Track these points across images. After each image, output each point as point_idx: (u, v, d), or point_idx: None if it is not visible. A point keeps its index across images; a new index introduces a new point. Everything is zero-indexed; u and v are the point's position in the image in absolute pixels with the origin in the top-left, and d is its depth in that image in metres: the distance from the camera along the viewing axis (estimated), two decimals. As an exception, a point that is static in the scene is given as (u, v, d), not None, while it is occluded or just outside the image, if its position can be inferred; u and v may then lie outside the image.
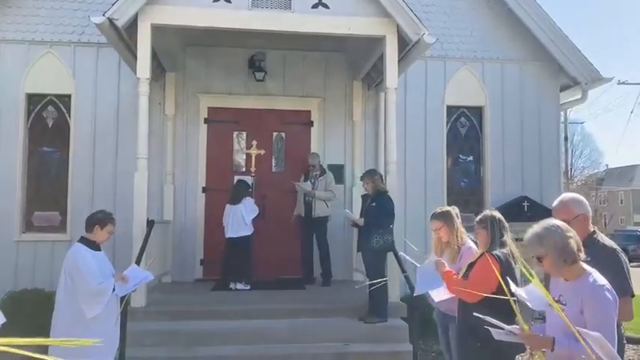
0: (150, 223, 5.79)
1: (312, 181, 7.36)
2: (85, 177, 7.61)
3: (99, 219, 4.22)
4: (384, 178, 5.90)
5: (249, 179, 7.56)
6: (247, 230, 6.92)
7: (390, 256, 5.71)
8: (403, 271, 5.41)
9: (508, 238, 3.59)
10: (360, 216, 5.89)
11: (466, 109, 8.56)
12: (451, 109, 8.46)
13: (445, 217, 4.01)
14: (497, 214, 3.66)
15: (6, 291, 6.92)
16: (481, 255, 3.50)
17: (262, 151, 7.86)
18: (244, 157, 7.98)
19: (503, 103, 8.49)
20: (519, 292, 2.86)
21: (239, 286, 6.84)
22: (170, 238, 7.55)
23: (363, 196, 5.97)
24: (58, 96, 7.76)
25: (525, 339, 2.60)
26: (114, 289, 4.00)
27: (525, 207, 8.14)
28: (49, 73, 7.67)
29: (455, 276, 3.62)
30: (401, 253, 5.07)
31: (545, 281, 2.99)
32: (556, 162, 8.56)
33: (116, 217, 7.14)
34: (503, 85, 8.51)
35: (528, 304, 2.80)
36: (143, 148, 5.88)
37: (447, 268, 3.68)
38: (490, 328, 2.63)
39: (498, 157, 8.42)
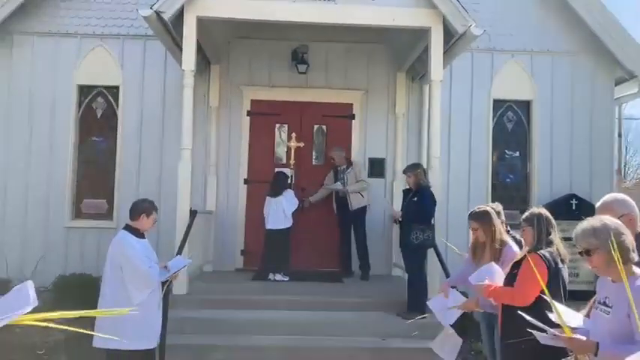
0: (192, 213, 5.90)
1: (341, 175, 7.28)
2: (131, 166, 7.82)
3: (145, 208, 4.29)
4: (426, 172, 5.78)
5: (288, 171, 7.58)
6: (287, 222, 6.97)
7: (431, 252, 5.62)
8: (444, 268, 5.32)
9: (556, 237, 3.45)
10: (401, 210, 5.79)
11: (513, 103, 8.30)
12: (498, 103, 8.23)
13: (482, 218, 3.89)
14: (545, 212, 3.53)
15: (56, 275, 7.20)
16: (527, 254, 3.38)
17: (302, 144, 7.84)
18: (285, 149, 8.00)
19: (552, 97, 8.18)
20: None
21: (278, 276, 6.90)
22: (212, 228, 7.67)
23: (405, 191, 5.88)
24: (107, 87, 7.99)
25: (568, 343, 2.50)
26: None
27: (573, 205, 7.84)
28: (98, 65, 7.90)
29: (499, 288, 3.48)
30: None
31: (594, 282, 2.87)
32: (608, 159, 8.20)
33: (160, 206, 7.31)
34: (553, 78, 8.20)
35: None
36: (187, 139, 5.98)
37: (486, 286, 3.51)
38: (534, 332, 2.53)
39: (546, 153, 8.14)
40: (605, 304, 2.46)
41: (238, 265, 7.82)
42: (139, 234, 4.23)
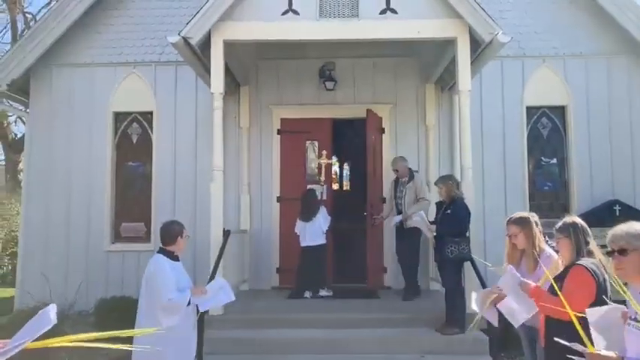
0: (226, 233, 5.96)
1: (401, 188, 6.85)
2: (166, 190, 7.98)
3: (177, 230, 4.33)
4: (459, 184, 5.69)
5: (318, 187, 7.59)
6: (324, 239, 7.03)
7: (467, 265, 5.50)
8: (482, 281, 5.19)
9: (594, 246, 3.33)
10: (435, 223, 5.69)
11: (547, 109, 8.11)
12: (531, 110, 8.06)
13: (523, 223, 3.80)
14: (578, 221, 3.40)
15: (98, 298, 7.37)
16: (570, 267, 3.24)
17: (332, 160, 7.84)
18: (316, 166, 8.02)
19: (588, 101, 7.96)
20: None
21: (322, 292, 6.95)
22: (247, 247, 7.73)
23: (438, 203, 5.79)
24: (141, 113, 8.23)
25: (592, 359, 2.39)
26: (189, 303, 4.01)
27: (617, 211, 7.56)
28: (133, 92, 8.15)
29: (545, 292, 3.37)
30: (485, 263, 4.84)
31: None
32: (652, 161, 7.89)
33: (196, 227, 7.62)
34: (588, 81, 7.99)
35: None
36: (219, 160, 6.06)
37: (533, 284, 3.42)
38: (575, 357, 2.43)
39: (585, 158, 7.90)
40: (636, 319, 2.35)
41: (274, 283, 7.83)
42: (173, 257, 4.27)
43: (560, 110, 8.08)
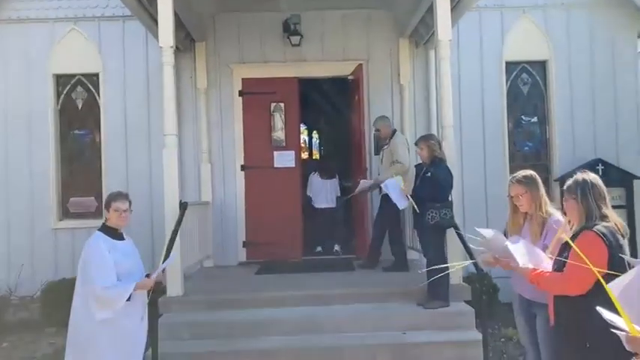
0: (183, 206, 5.30)
1: (380, 152, 6.36)
2: (118, 159, 7.25)
3: (107, 201, 3.71)
4: (441, 144, 5.14)
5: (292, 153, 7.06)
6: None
7: (450, 232, 5.02)
8: (467, 250, 4.71)
9: (608, 208, 2.84)
10: (414, 188, 5.15)
11: (527, 65, 7.62)
12: (510, 65, 7.55)
13: (529, 183, 3.30)
14: (591, 178, 2.90)
15: (45, 281, 6.67)
16: (579, 232, 2.75)
17: (301, 126, 7.24)
18: (284, 131, 7.38)
19: (570, 56, 7.49)
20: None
21: (337, 247, 7.48)
22: (210, 221, 7.10)
23: (417, 166, 5.25)
24: (86, 75, 7.40)
25: (631, 343, 1.88)
26: (129, 298, 3.42)
27: (600, 171, 7.18)
28: (75, 51, 7.30)
29: (547, 273, 2.88)
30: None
31: None
32: (634, 119, 7.50)
33: (153, 200, 6.95)
34: (569, 34, 7.50)
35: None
36: (171, 124, 5.38)
37: (531, 267, 2.91)
38: (618, 332, 1.91)
39: (567, 116, 7.48)
40: None
41: (241, 258, 7.25)
42: (116, 234, 3.65)
43: (542, 66, 7.59)
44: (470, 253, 4.63)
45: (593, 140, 7.44)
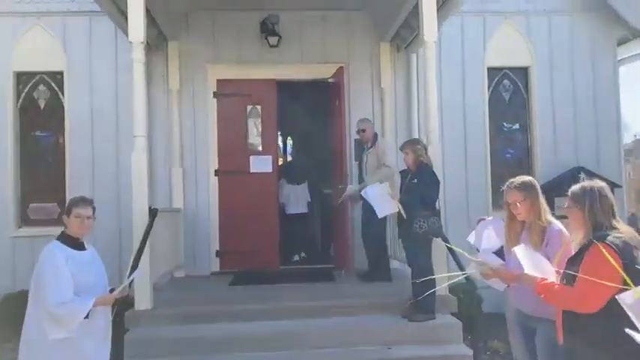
0: (152, 212, 4.95)
1: (363, 156, 5.98)
2: (83, 162, 6.83)
3: (67, 206, 3.33)
4: (427, 149, 4.91)
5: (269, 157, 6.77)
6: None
7: (437, 241, 4.78)
8: (456, 260, 4.48)
9: (617, 219, 2.64)
10: (400, 196, 4.90)
11: (509, 71, 7.51)
12: (492, 72, 7.43)
13: (528, 189, 3.08)
14: (600, 187, 2.70)
15: (2, 293, 6.20)
16: (588, 246, 2.54)
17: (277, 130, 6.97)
18: (260, 134, 7.07)
19: (552, 62, 7.42)
20: None
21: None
22: (182, 228, 6.73)
23: (402, 172, 5.02)
24: (49, 73, 6.96)
25: None
26: (87, 316, 3.03)
27: (582, 179, 7.04)
28: (38, 48, 6.87)
29: (557, 285, 2.65)
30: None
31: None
32: (615, 126, 7.47)
33: (120, 206, 6.55)
34: (551, 41, 7.44)
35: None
36: (141, 125, 5.02)
37: (539, 278, 2.69)
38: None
39: (548, 123, 7.39)
40: None
41: (214, 268, 6.89)
42: (76, 244, 3.28)
43: (523, 72, 7.50)
44: (459, 264, 4.40)
45: (574, 148, 7.37)
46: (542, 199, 3.10)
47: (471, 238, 3.48)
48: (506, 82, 7.52)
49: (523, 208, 3.05)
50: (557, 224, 3.05)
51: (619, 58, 7.70)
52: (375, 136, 6.01)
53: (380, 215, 5.00)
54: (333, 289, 5.75)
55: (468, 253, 3.25)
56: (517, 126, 7.54)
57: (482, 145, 7.28)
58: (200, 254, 6.86)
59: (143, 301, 4.86)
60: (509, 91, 7.53)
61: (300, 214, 7.95)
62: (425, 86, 5.27)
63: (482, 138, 7.29)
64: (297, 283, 6.01)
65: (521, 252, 2.83)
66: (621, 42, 7.58)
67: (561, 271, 2.70)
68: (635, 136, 51.13)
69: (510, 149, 7.55)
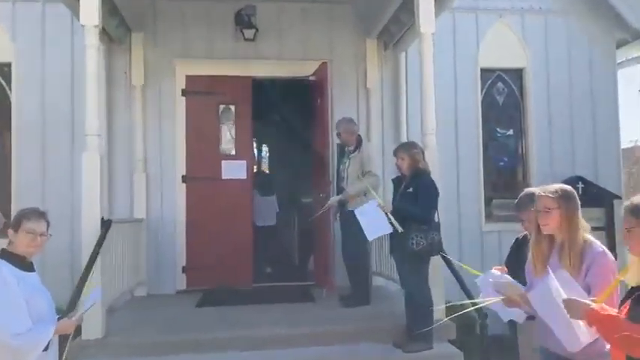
0: (105, 224, 4.24)
1: (345, 160, 5.30)
2: (32, 167, 6.05)
3: (15, 219, 2.72)
4: (424, 154, 4.30)
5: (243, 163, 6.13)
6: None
7: (436, 260, 4.19)
8: (460, 281, 3.89)
9: None
10: (393, 207, 4.26)
11: (503, 73, 7.03)
12: (486, 73, 6.94)
13: (566, 197, 2.48)
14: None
15: None
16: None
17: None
18: (234, 137, 6.41)
19: (548, 64, 6.97)
20: None
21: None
22: (144, 241, 6.00)
23: (395, 180, 4.40)
24: (-6, 66, 6.18)
25: None
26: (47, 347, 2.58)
27: (580, 189, 6.60)
28: (-19, 36, 6.08)
29: (621, 317, 2.04)
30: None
31: None
32: (614, 133, 7.05)
33: (74, 218, 5.77)
34: (547, 42, 6.99)
35: None
36: (94, 121, 4.32)
37: (594, 305, 2.09)
38: None
39: (544, 129, 6.93)
40: None
41: (180, 286, 6.16)
42: (23, 264, 2.64)
43: (518, 74, 7.03)
44: (464, 287, 3.81)
45: (571, 156, 6.92)
46: (579, 213, 2.51)
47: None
48: (499, 84, 7.04)
49: (552, 220, 2.45)
50: (599, 245, 2.46)
51: (619, 61, 7.27)
52: (359, 139, 5.37)
53: (370, 238, 4.33)
54: (314, 312, 5.08)
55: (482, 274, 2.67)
56: (511, 132, 7.05)
57: (475, 152, 6.76)
58: (165, 270, 6.13)
59: (93, 328, 4.14)
60: (503, 94, 7.04)
61: (269, 226, 7.64)
62: (421, 83, 4.73)
63: (475, 144, 6.77)
64: (272, 304, 5.34)
65: (560, 277, 2.24)
66: (620, 44, 7.16)
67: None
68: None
69: (504, 157, 7.05)
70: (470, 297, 3.57)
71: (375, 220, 4.09)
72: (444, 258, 4.08)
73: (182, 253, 6.18)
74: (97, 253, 4.06)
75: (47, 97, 6.14)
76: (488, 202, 6.85)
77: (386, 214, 4.06)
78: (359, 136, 5.34)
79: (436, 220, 4.12)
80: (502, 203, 6.83)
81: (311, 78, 6.27)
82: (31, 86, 6.13)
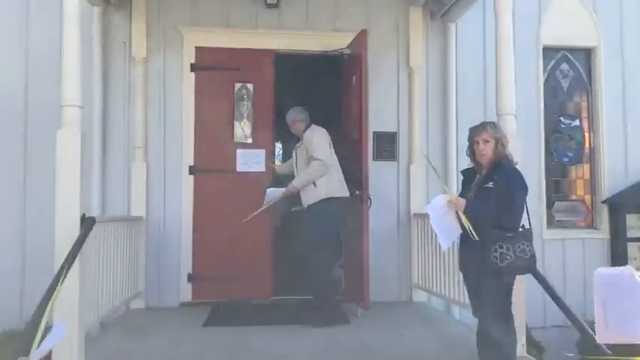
0: (85, 222, 3.24)
1: (293, 153, 4.76)
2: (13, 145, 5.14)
3: None
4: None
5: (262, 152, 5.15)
6: None
7: (525, 278, 3.14)
8: (563, 306, 2.84)
9: None
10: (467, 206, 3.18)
11: (569, 52, 5.99)
12: (549, 52, 5.90)
13: None
14: None
15: None
16: None
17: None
18: (251, 122, 5.40)
19: (622, 44, 5.95)
20: None
21: None
22: (142, 244, 5.06)
23: (466, 172, 3.34)
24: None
25: None
26: None
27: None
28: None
29: None
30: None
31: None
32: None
33: (26, 217, 4.88)
34: (622, 16, 5.96)
35: None
36: (72, 87, 3.33)
37: None
38: None
39: (617, 120, 5.91)
40: None
41: (185, 297, 5.17)
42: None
43: (586, 53, 5.99)
44: (571, 315, 2.76)
45: (649, 152, 5.85)
46: None
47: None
48: (564, 66, 6.00)
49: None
50: None
51: None
52: (307, 128, 4.62)
53: (445, 246, 3.25)
54: (353, 338, 4.03)
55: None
56: (577, 122, 6.00)
57: (537, 146, 5.72)
58: (167, 279, 5.16)
59: (66, 354, 3.14)
60: (568, 77, 6.00)
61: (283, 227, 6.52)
62: (497, 49, 3.88)
63: (537, 137, 5.74)
64: (297, 325, 4.31)
65: None
66: None
67: None
68: None
69: (569, 152, 5.98)
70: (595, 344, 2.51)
71: (446, 222, 3.03)
72: (539, 277, 3.02)
73: (187, 259, 5.20)
74: (74, 258, 3.06)
75: (31, 62, 5.21)
76: (549, 205, 5.81)
77: (458, 216, 3.01)
78: (307, 124, 4.65)
79: (528, 226, 3.05)
80: (566, 207, 5.80)
81: (345, 52, 5.23)
82: (14, 51, 5.17)
